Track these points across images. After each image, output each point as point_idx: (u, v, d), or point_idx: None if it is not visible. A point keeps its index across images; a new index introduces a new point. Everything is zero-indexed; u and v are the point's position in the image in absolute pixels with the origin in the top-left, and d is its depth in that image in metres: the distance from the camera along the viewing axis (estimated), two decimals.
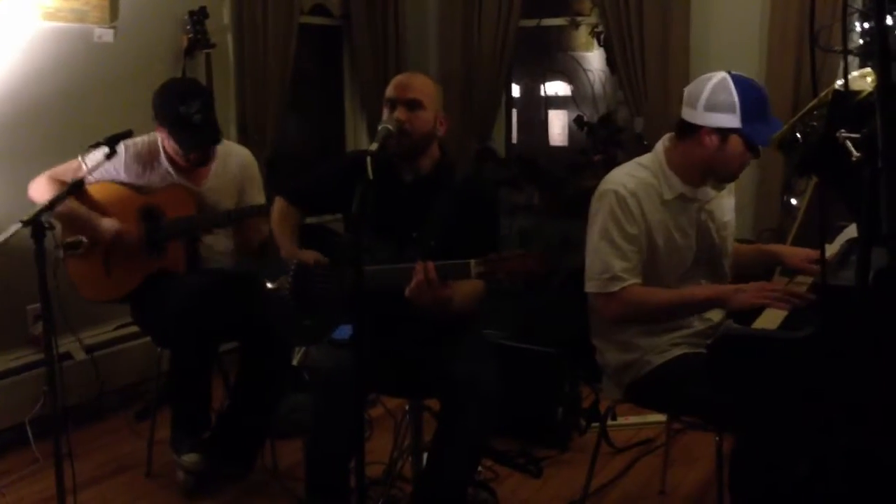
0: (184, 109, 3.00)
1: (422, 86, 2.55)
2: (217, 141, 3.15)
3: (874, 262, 1.51)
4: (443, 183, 2.59)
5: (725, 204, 2.63)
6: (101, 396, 3.71)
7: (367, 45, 5.00)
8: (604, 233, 2.42)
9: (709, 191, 2.53)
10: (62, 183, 2.97)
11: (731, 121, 2.37)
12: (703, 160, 2.44)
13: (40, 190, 3.05)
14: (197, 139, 3.06)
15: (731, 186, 2.66)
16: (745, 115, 2.36)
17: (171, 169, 3.16)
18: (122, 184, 3.15)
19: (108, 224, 3.07)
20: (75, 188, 2.55)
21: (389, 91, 2.54)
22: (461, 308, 2.41)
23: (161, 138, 3.15)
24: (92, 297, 3.21)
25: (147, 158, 3.15)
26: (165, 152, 3.15)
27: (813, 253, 2.55)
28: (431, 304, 2.29)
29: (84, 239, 3.08)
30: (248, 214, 3.18)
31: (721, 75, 2.41)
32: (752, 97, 2.38)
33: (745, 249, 2.79)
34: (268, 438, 3.20)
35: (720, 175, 2.50)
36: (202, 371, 3.10)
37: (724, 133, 2.39)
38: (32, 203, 2.95)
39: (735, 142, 2.40)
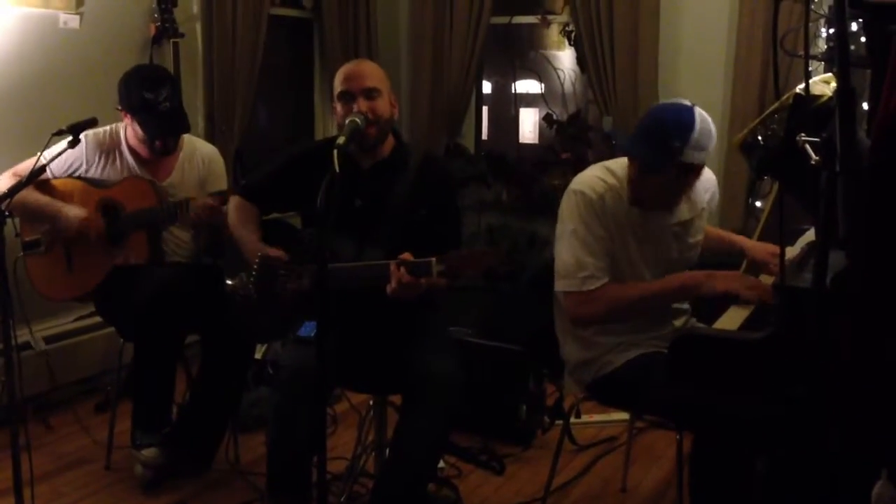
0: (150, 96, 2.95)
1: (373, 72, 2.52)
2: (184, 130, 3.10)
3: (832, 264, 1.54)
4: (401, 165, 2.58)
5: (697, 225, 2.60)
6: (61, 388, 3.66)
7: (338, 38, 4.97)
8: (576, 232, 2.40)
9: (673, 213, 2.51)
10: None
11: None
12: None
13: (2, 185, 2.99)
14: (163, 127, 3.01)
15: (711, 207, 2.65)
16: (634, 137, 2.40)
17: (132, 161, 3.11)
18: (81, 178, 3.10)
19: (75, 211, 3.01)
20: (36, 175, 2.50)
21: (343, 84, 2.48)
22: None
23: (124, 127, 3.10)
24: (54, 297, 3.16)
25: (109, 148, 3.09)
26: (128, 143, 3.11)
27: (776, 248, 2.52)
28: (414, 299, 2.30)
29: (42, 236, 3.03)
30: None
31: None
32: (644, 122, 2.41)
33: (710, 233, 2.77)
34: (230, 432, 3.18)
35: (646, 203, 2.46)
36: (167, 366, 3.06)
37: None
38: None
39: (632, 162, 2.42)
